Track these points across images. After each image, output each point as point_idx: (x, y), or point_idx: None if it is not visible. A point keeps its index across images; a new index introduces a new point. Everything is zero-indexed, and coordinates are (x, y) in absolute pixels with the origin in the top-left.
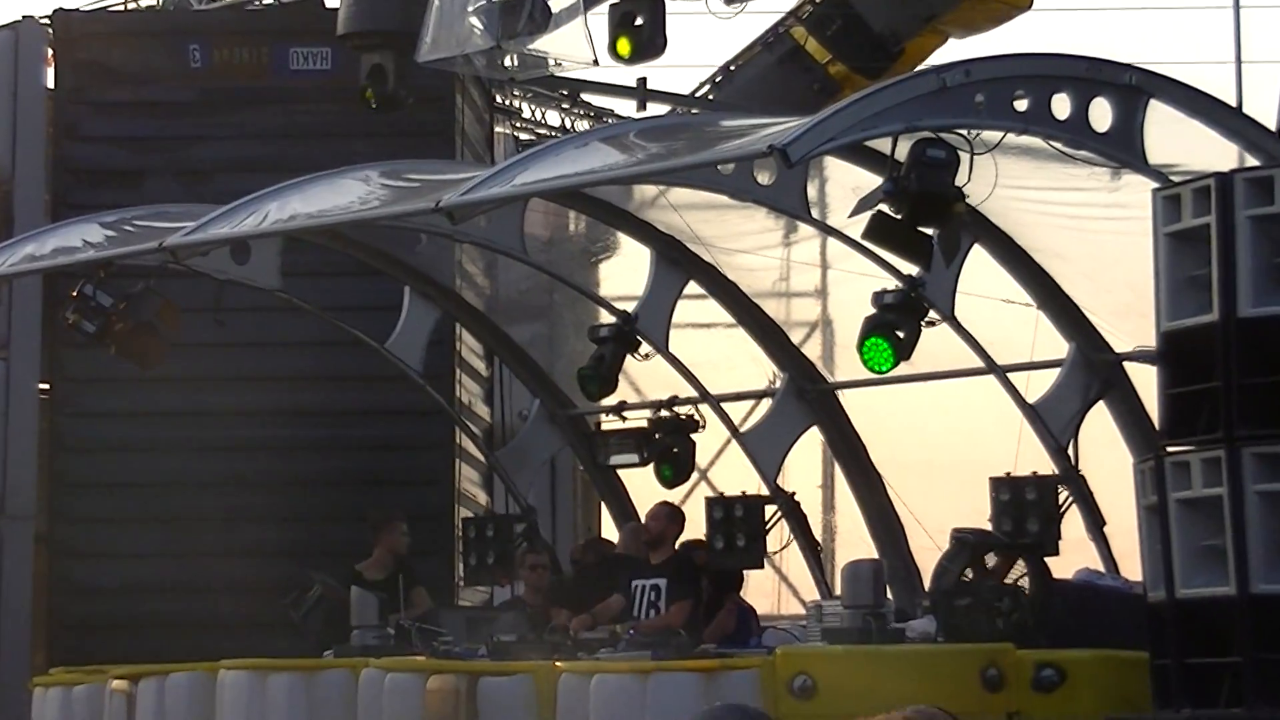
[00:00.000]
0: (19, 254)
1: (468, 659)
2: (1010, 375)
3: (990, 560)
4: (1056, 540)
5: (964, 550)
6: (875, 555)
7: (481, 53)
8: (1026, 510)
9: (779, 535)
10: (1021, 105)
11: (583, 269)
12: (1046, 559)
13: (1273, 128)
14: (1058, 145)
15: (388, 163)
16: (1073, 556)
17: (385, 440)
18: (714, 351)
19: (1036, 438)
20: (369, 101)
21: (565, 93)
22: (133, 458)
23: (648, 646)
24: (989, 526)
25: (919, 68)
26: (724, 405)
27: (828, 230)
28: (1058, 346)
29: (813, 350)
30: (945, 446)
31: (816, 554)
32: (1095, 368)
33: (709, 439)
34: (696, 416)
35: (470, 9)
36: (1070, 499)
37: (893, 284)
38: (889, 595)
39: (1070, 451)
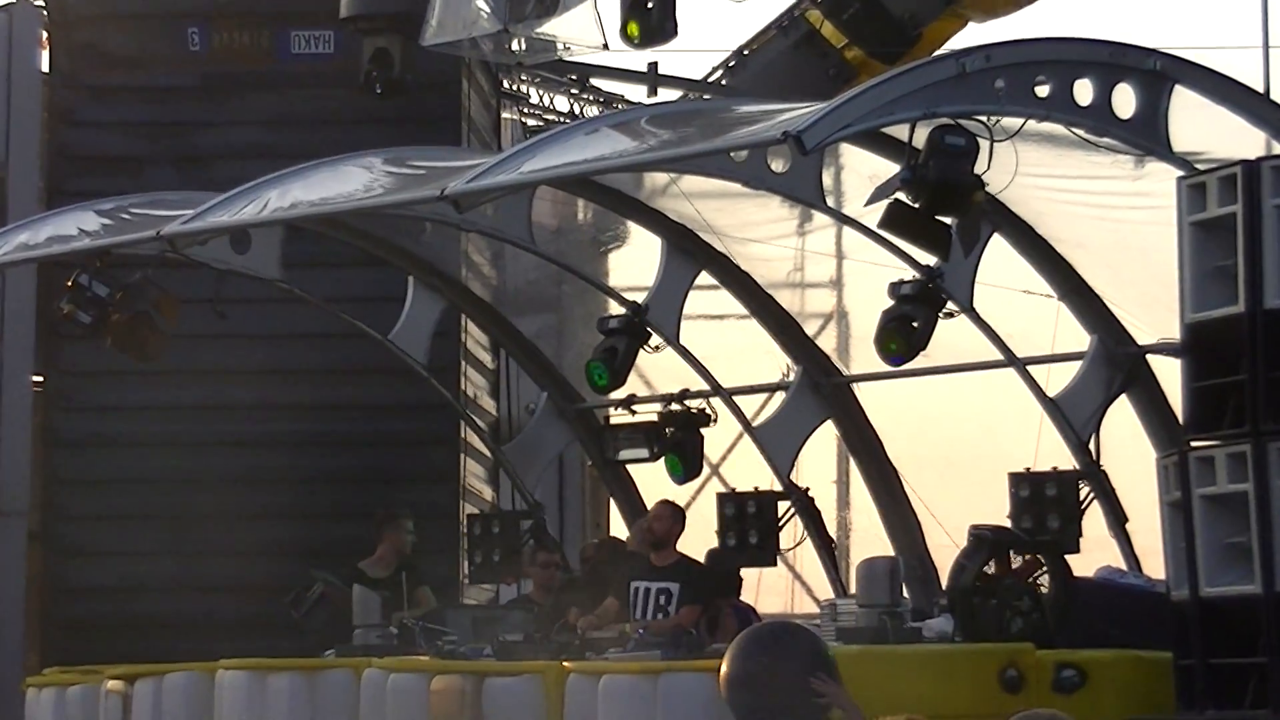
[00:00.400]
0: (13, 243)
1: (473, 659)
2: (1030, 368)
3: (1009, 558)
4: (1077, 538)
5: (982, 548)
6: (891, 553)
7: (488, 36)
8: (1047, 507)
9: (792, 532)
10: (1043, 91)
11: (592, 259)
12: (1067, 557)
13: None
14: (1080, 132)
15: (392, 149)
16: (1094, 554)
17: (388, 435)
18: (726, 343)
19: (1057, 432)
20: (373, 86)
21: (574, 78)
22: (129, 453)
23: (657, 646)
24: (1008, 523)
25: (938, 52)
26: (736, 399)
27: (843, 219)
28: (1079, 339)
29: (828, 342)
30: (963, 441)
31: (831, 551)
32: (1118, 361)
33: (721, 433)
34: (708, 410)
35: None
36: (1092, 495)
37: (910, 275)
38: (905, 594)
39: (1092, 446)
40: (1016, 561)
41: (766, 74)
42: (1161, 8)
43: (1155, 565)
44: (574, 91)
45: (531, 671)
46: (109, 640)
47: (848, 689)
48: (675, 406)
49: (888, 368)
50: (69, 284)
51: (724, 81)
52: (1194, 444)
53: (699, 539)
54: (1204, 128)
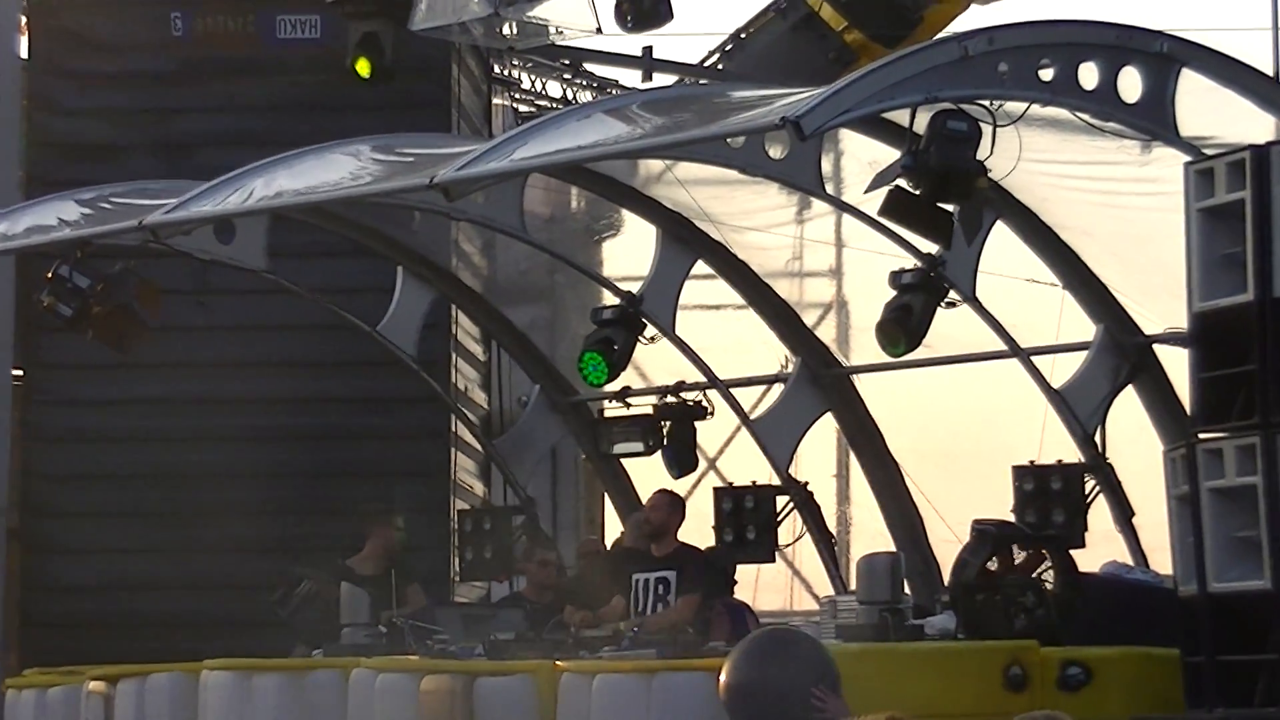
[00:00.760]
0: None
1: (464, 658)
2: (1034, 359)
3: (1013, 553)
4: (1083, 532)
5: (985, 543)
6: (892, 548)
7: (479, 20)
8: (1051, 500)
9: (791, 527)
10: (1047, 75)
11: (585, 248)
12: (1072, 552)
13: None
14: (1085, 117)
15: (380, 136)
16: (1100, 549)
17: (377, 429)
18: (723, 334)
19: (1062, 424)
20: (360, 72)
21: (567, 62)
22: (111, 448)
23: (653, 645)
24: (1012, 518)
25: (939, 35)
26: (733, 391)
27: (843, 207)
28: (1084, 328)
29: (827, 333)
30: (966, 434)
31: (831, 547)
32: (1124, 351)
33: (718, 426)
34: (705, 403)
35: None
36: (1097, 488)
37: (911, 263)
38: (907, 590)
39: (1097, 439)
40: (1020, 556)
41: (764, 58)
42: None
43: (1163, 560)
44: (567, 76)
45: (524, 671)
46: (90, 640)
47: (848, 690)
48: (671, 399)
49: (888, 358)
50: (49, 275)
51: (720, 66)
52: (1202, 436)
53: (696, 534)
54: (1212, 112)
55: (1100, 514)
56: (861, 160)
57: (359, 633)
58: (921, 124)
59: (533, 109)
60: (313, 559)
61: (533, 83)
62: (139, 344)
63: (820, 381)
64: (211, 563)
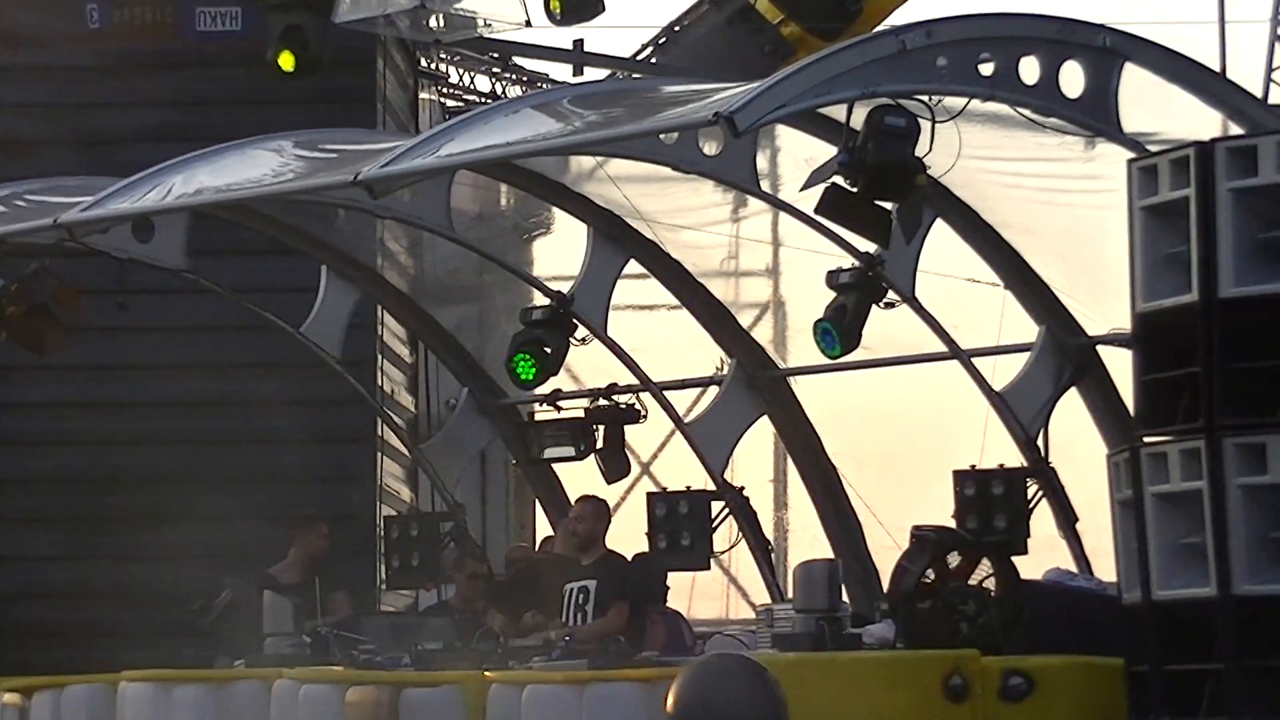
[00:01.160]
0: None
1: (390, 669)
2: (975, 360)
3: (954, 560)
4: (1025, 538)
5: (925, 549)
6: (830, 555)
7: (405, 12)
8: (993, 505)
9: (727, 533)
10: (987, 69)
11: (515, 247)
12: (1014, 558)
13: (1258, 93)
14: (1026, 112)
15: (303, 132)
16: (1042, 555)
17: (301, 432)
18: (656, 335)
19: (1004, 427)
20: (282, 66)
21: (495, 56)
22: (27, 452)
23: (584, 655)
24: (952, 523)
25: (878, 29)
26: (667, 393)
27: (779, 205)
28: (1027, 329)
29: (763, 334)
30: (905, 437)
31: (767, 554)
32: (1067, 352)
33: (651, 430)
34: (638, 406)
35: None
36: (1040, 493)
37: (849, 262)
38: (845, 598)
39: (1040, 442)
40: (961, 563)
41: (698, 51)
42: None
43: (1106, 567)
44: (495, 70)
45: (452, 682)
46: (5, 649)
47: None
48: (603, 402)
49: (826, 360)
50: None
51: (654, 60)
52: (1146, 440)
53: (629, 540)
54: (1156, 108)
55: (1043, 519)
56: (798, 157)
57: (282, 643)
58: (859, 119)
59: (460, 104)
60: (234, 567)
61: (460, 77)
62: (56, 346)
63: (756, 384)
64: (129, 570)
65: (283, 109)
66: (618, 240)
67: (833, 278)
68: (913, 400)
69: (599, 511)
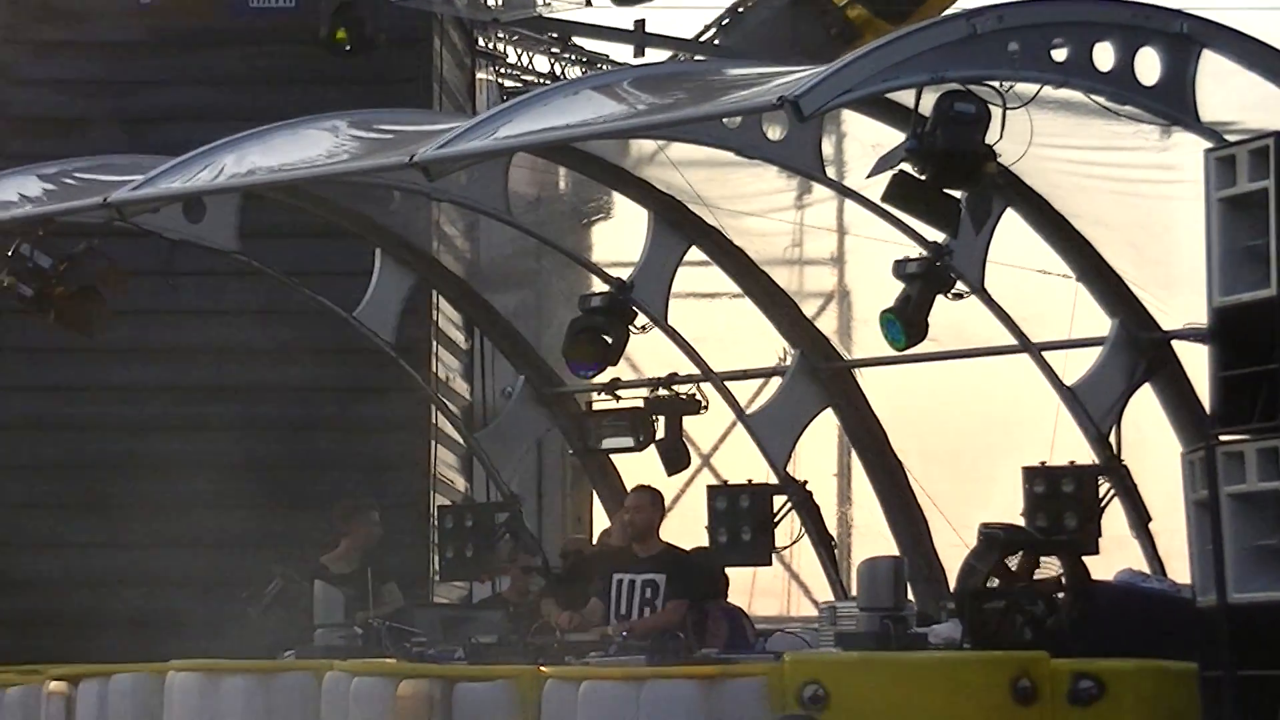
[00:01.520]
0: None
1: (443, 662)
2: (1046, 354)
3: (1022, 559)
4: (1096, 537)
5: (993, 548)
6: (895, 552)
7: None
8: (1063, 504)
9: (789, 529)
10: (1060, 55)
11: (573, 232)
12: (1085, 558)
13: None
14: (1100, 100)
15: (358, 112)
16: (1114, 555)
17: (354, 420)
18: (718, 324)
19: (1075, 423)
20: (337, 44)
21: (555, 36)
22: (71, 436)
23: (642, 651)
24: (1021, 522)
25: (947, 12)
26: (729, 384)
27: (845, 192)
28: (1099, 323)
29: (828, 324)
30: (974, 432)
31: (830, 550)
32: (1140, 346)
33: (712, 421)
34: (698, 396)
35: None
36: (1112, 492)
37: (916, 252)
38: (910, 597)
39: (1112, 439)
40: (1030, 563)
41: (762, 33)
42: None
43: (1180, 568)
44: (554, 51)
45: (505, 676)
46: (50, 638)
47: (846, 701)
48: (663, 392)
49: (892, 352)
50: (8, 254)
51: (716, 41)
52: (1222, 438)
53: (688, 535)
54: (1234, 96)
55: (1115, 518)
56: (864, 143)
57: (333, 634)
58: (927, 105)
59: (519, 85)
60: (284, 555)
61: (519, 57)
62: (103, 327)
63: (820, 375)
64: (178, 558)
65: (336, 89)
66: (679, 226)
67: (899, 267)
68: (981, 394)
69: (654, 501)
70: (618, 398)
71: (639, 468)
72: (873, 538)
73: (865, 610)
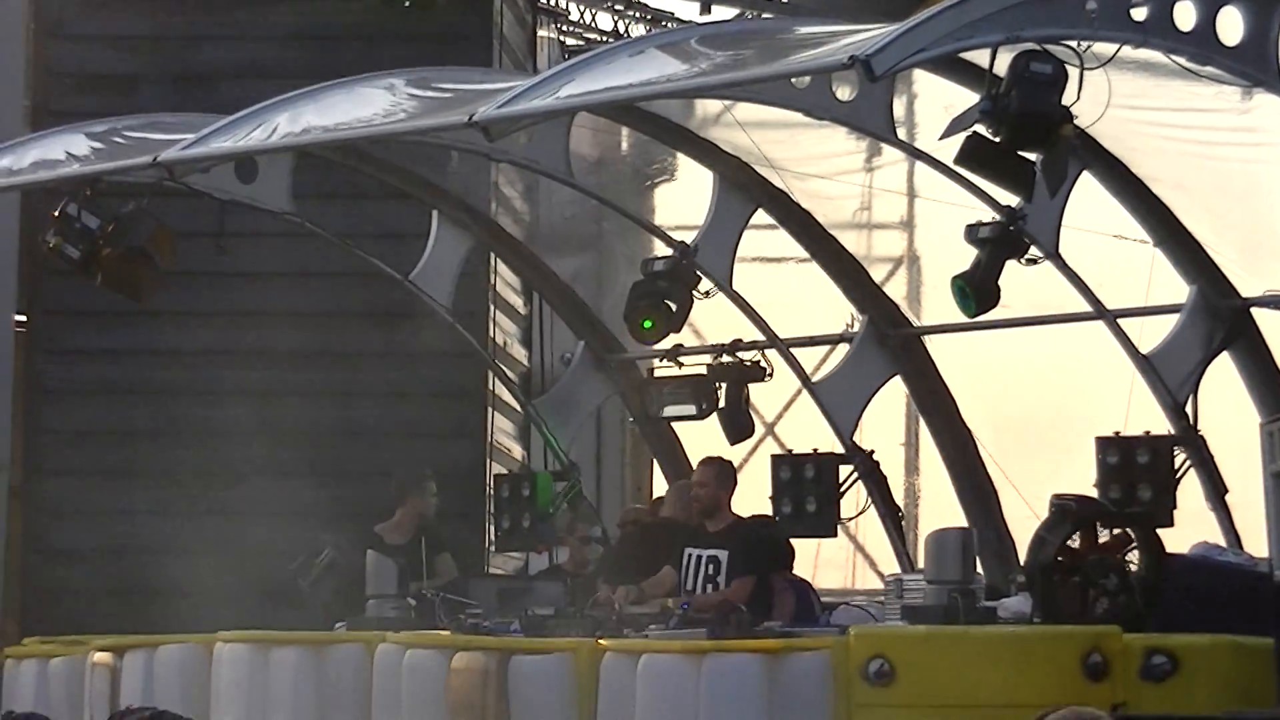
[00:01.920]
0: None
1: (498, 635)
2: (1122, 321)
3: (1096, 531)
4: (1171, 510)
5: (1065, 519)
6: (964, 523)
7: None
8: (1137, 475)
9: (855, 500)
10: (1140, 14)
11: (636, 194)
12: (1159, 531)
13: None
14: (1180, 60)
15: (415, 70)
16: (1190, 528)
17: (408, 386)
18: (784, 289)
19: (1150, 392)
20: (395, 0)
21: None
22: (120, 402)
23: (703, 624)
24: (1094, 493)
25: None
26: (794, 351)
27: (916, 154)
28: (1176, 289)
29: (897, 290)
30: (1045, 401)
31: (897, 521)
32: (1219, 314)
33: (777, 389)
34: (763, 363)
35: None
36: (1188, 463)
37: (989, 216)
38: (979, 569)
39: (1189, 409)
40: (1103, 535)
41: None
42: None
43: (1258, 542)
44: (618, 8)
45: (563, 649)
46: (96, 608)
47: (912, 675)
48: (727, 359)
49: (963, 318)
50: (55, 214)
51: None
52: None
53: (752, 505)
54: None
55: (1191, 491)
56: (936, 104)
57: (386, 605)
58: (1002, 65)
59: (581, 43)
60: (337, 525)
61: (581, 14)
62: (151, 290)
63: (888, 342)
64: (227, 527)
65: (393, 46)
66: (745, 189)
67: (971, 232)
68: (1054, 362)
69: (722, 474)
70: (680, 364)
71: (701, 436)
72: (940, 509)
73: (933, 583)
